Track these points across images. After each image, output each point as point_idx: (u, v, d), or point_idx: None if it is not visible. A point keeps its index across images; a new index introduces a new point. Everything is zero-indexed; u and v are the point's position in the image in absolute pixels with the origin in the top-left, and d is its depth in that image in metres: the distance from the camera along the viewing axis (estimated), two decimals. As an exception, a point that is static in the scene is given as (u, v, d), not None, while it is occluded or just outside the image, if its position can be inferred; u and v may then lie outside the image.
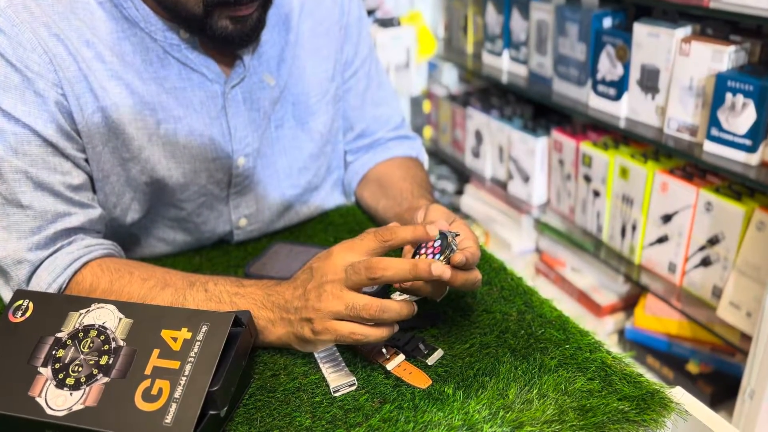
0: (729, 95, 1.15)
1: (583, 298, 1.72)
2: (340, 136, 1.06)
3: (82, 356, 0.66)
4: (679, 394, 0.71)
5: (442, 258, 0.68)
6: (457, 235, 0.71)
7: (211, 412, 0.63)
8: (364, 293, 0.68)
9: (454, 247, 0.69)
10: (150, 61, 0.82)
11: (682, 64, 1.24)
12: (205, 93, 0.86)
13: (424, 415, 0.66)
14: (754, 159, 1.16)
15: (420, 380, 0.70)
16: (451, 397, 0.68)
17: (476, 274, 0.72)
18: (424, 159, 1.13)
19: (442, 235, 0.70)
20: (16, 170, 0.75)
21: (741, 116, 1.14)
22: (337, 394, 0.70)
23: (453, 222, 0.78)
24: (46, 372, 0.65)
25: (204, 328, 0.66)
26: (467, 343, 0.76)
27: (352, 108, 1.05)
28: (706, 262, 1.32)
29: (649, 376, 1.53)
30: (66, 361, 0.66)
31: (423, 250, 0.71)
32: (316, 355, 0.75)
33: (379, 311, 0.66)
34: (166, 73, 0.83)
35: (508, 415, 0.65)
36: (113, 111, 0.80)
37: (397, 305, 0.67)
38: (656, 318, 1.51)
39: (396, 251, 0.76)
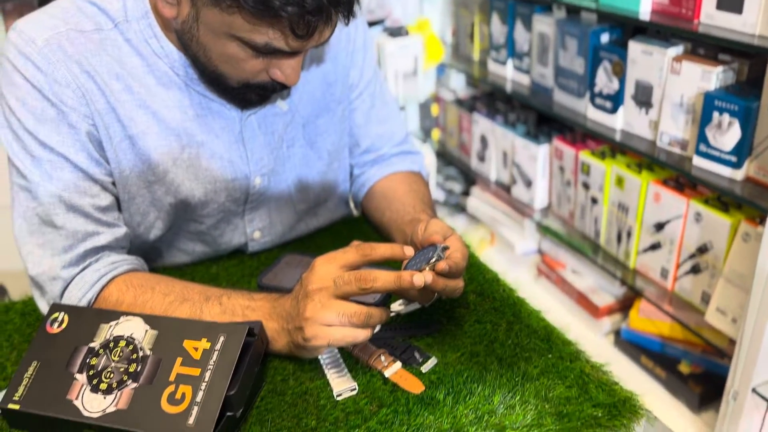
0: (716, 114, 1.21)
1: (582, 299, 1.78)
2: (347, 153, 1.13)
3: (113, 364, 0.74)
4: (649, 400, 0.78)
5: (428, 266, 0.76)
6: (446, 248, 0.79)
7: (228, 414, 0.71)
8: (369, 303, 0.77)
9: (441, 256, 0.77)
10: (173, 92, 0.89)
11: (673, 81, 1.30)
12: (225, 120, 0.93)
13: (416, 419, 0.73)
14: (739, 174, 1.22)
15: (414, 386, 0.78)
16: (441, 403, 0.75)
17: (457, 283, 0.79)
18: (426, 173, 1.19)
19: (433, 247, 0.79)
20: (50, 194, 0.84)
21: (727, 134, 1.20)
22: (339, 398, 0.77)
23: (450, 236, 0.85)
24: (82, 378, 0.74)
25: (221, 339, 0.74)
26: (459, 352, 0.84)
27: (358, 126, 1.12)
28: (695, 270, 1.38)
29: (643, 375, 1.59)
30: (99, 369, 0.74)
31: (415, 259, 0.79)
32: (321, 362, 0.83)
33: (366, 317, 0.74)
34: (188, 103, 0.90)
35: (492, 419, 0.73)
36: (140, 138, 0.88)
37: (378, 312, 0.75)
38: (650, 320, 1.58)
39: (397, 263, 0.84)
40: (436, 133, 2.38)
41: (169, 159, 0.90)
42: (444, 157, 2.34)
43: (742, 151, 1.20)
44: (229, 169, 0.95)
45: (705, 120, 1.23)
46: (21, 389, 0.74)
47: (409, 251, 0.78)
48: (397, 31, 1.99)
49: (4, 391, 0.76)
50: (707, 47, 1.30)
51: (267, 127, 0.97)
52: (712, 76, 1.23)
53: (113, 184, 0.89)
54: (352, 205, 1.22)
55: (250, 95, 0.88)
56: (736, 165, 1.21)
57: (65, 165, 0.84)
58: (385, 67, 1.99)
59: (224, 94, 0.90)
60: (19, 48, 0.82)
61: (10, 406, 0.73)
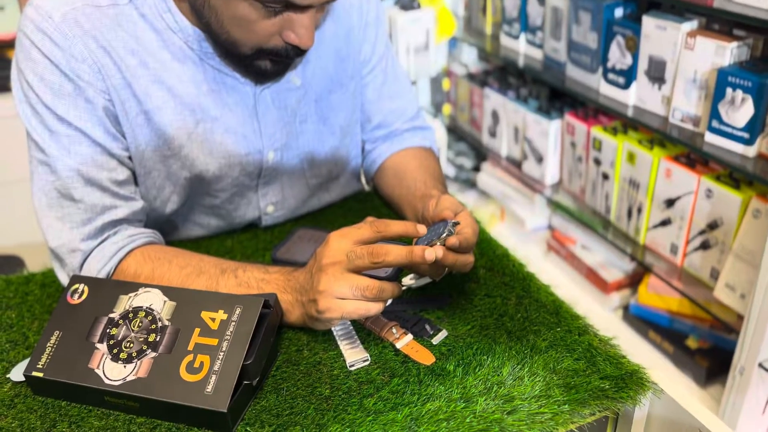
0: (729, 90, 1.20)
1: (591, 274, 1.80)
2: (359, 128, 1.14)
3: (132, 334, 0.76)
4: (656, 374, 0.79)
5: (439, 241, 0.77)
6: (457, 223, 0.80)
7: (245, 382, 0.73)
8: (381, 277, 0.78)
9: (452, 232, 0.78)
10: (188, 67, 0.90)
11: (687, 57, 1.30)
12: (238, 94, 0.94)
13: (427, 389, 0.75)
14: (751, 151, 1.22)
15: (425, 358, 0.80)
16: (451, 373, 0.77)
17: (467, 258, 0.81)
18: (437, 148, 1.20)
19: (444, 223, 0.80)
20: (68, 168, 0.85)
21: (740, 110, 1.20)
22: (352, 369, 0.79)
23: (461, 212, 0.86)
24: (103, 347, 0.76)
25: (238, 310, 0.76)
26: (469, 325, 0.85)
27: (370, 102, 1.12)
28: (705, 246, 1.39)
29: (651, 350, 1.61)
30: (119, 338, 0.76)
31: (426, 235, 0.80)
32: (334, 333, 0.84)
33: (378, 291, 0.76)
34: (202, 77, 0.91)
35: (500, 390, 0.74)
36: (155, 113, 0.89)
37: (390, 286, 0.77)
38: (658, 296, 1.59)
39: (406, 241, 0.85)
40: (447, 108, 2.37)
41: (184, 134, 0.91)
42: (455, 132, 2.34)
43: (755, 127, 1.19)
44: (243, 143, 0.96)
45: (718, 96, 1.23)
46: (44, 358, 0.76)
47: (422, 230, 0.79)
48: (408, 5, 1.98)
49: (27, 360, 0.78)
50: (722, 22, 1.29)
51: (280, 101, 0.98)
52: (726, 52, 1.22)
53: (129, 158, 0.91)
54: (363, 180, 1.23)
55: (263, 63, 0.88)
56: (749, 142, 1.21)
57: (83, 139, 0.85)
58: (396, 41, 1.98)
59: (238, 65, 0.90)
60: (36, 23, 0.82)
61: (34, 373, 0.76)
